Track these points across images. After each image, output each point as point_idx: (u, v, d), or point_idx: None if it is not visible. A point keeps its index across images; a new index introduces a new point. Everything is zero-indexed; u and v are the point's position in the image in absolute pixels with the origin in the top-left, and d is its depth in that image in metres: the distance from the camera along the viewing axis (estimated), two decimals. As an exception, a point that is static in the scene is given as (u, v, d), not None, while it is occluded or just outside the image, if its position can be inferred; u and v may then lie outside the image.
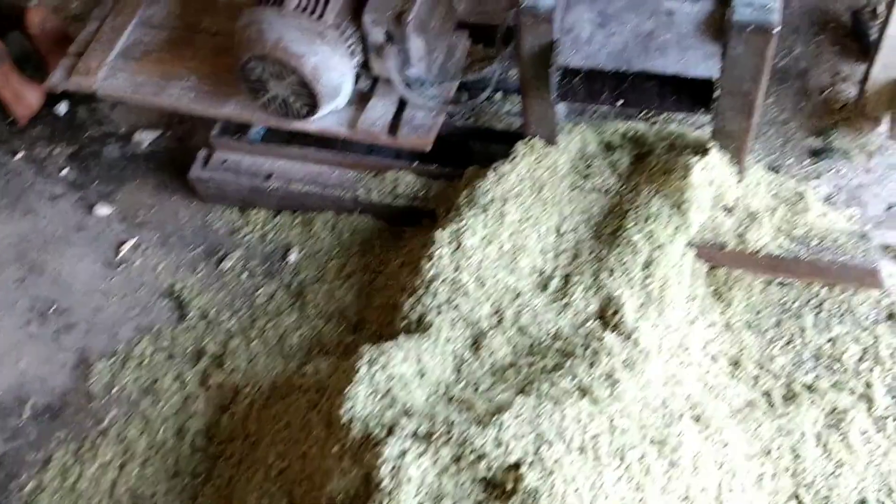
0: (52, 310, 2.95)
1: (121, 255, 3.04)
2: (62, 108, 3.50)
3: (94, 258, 3.06)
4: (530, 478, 1.92)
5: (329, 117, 2.85)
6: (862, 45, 3.18)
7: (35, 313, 2.95)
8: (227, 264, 2.96)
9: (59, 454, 2.61)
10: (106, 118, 3.46)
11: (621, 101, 2.40)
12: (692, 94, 2.34)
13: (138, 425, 2.63)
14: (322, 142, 3.03)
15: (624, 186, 2.64)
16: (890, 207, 2.81)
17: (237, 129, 3.08)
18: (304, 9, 2.66)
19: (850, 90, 3.08)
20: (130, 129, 3.41)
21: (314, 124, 2.85)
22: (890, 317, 2.56)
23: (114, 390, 2.72)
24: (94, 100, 3.45)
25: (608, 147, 2.75)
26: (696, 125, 2.94)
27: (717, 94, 2.32)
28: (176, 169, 3.23)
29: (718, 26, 2.27)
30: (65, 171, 3.32)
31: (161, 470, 2.53)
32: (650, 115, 2.98)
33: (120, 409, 2.68)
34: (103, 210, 3.17)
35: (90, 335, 2.87)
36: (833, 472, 2.29)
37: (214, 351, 2.74)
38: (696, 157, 2.49)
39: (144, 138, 3.36)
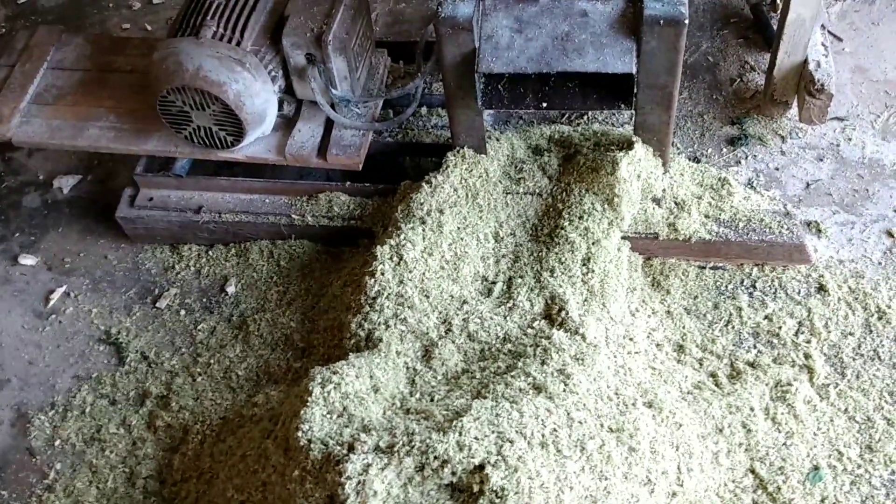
0: (-19, 368, 2.83)
1: (51, 304, 2.95)
2: (-25, 160, 3.39)
3: (23, 310, 2.95)
4: (496, 477, 1.92)
5: (256, 144, 2.83)
6: (765, 37, 3.32)
7: (-37, 373, 2.83)
8: (163, 303, 2.89)
9: (2, 516, 2.51)
10: (23, 167, 3.36)
11: (545, 104, 2.44)
12: (613, 91, 2.40)
13: (86, 476, 2.53)
14: (251, 170, 3.01)
15: (556, 187, 2.69)
16: (808, 186, 2.94)
17: (161, 165, 3.02)
18: (221, 37, 2.65)
19: (758, 79, 3.21)
20: (49, 175, 3.32)
21: (241, 152, 2.83)
22: (820, 289, 2.66)
23: (56, 443, 2.62)
24: (9, 149, 3.35)
25: (536, 151, 2.80)
26: (619, 124, 3.02)
27: (636, 89, 2.39)
28: (100, 212, 3.16)
29: (631, 23, 2.34)
30: (-17, 225, 3.21)
31: (114, 520, 2.45)
32: (573, 117, 3.05)
33: (65, 461, 2.58)
34: (28, 260, 3.07)
35: (26, 390, 2.76)
36: (784, 443, 2.36)
37: (159, 392, 2.67)
38: (622, 153, 2.56)
39: (65, 184, 3.27)
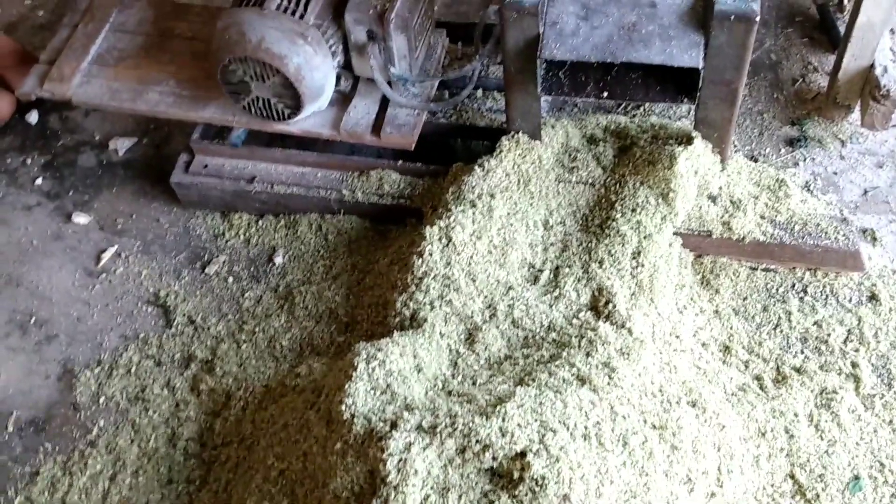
0: (31, 321, 2.88)
1: (101, 263, 2.99)
2: (33, 117, 3.43)
3: (74, 268, 3.00)
4: (537, 465, 1.92)
5: (312, 118, 2.84)
6: (830, 37, 3.26)
7: (14, 326, 2.88)
8: (211, 269, 2.92)
9: (46, 467, 2.55)
10: (79, 127, 3.41)
11: (606, 94, 2.42)
12: (676, 84, 2.37)
13: (128, 434, 2.58)
14: (303, 144, 3.02)
15: (609, 178, 2.66)
16: (865, 192, 2.88)
17: (216, 134, 3.05)
18: (286, 9, 2.65)
19: (820, 80, 3.15)
20: (105, 137, 3.36)
21: (297, 126, 2.84)
22: (871, 298, 2.62)
23: (101, 400, 2.67)
24: (67, 108, 3.41)
25: (591, 140, 2.78)
26: (676, 117, 2.99)
27: (700, 84, 2.36)
28: (154, 176, 3.20)
29: (701, 16, 2.31)
30: (38, 181, 3.26)
31: (154, 478, 2.49)
32: (629, 108, 3.02)
33: (108, 418, 2.63)
34: (81, 219, 3.12)
35: (73, 346, 2.81)
36: (826, 451, 2.33)
37: (204, 356, 2.70)
38: (681, 147, 2.53)
39: (120, 146, 3.32)
